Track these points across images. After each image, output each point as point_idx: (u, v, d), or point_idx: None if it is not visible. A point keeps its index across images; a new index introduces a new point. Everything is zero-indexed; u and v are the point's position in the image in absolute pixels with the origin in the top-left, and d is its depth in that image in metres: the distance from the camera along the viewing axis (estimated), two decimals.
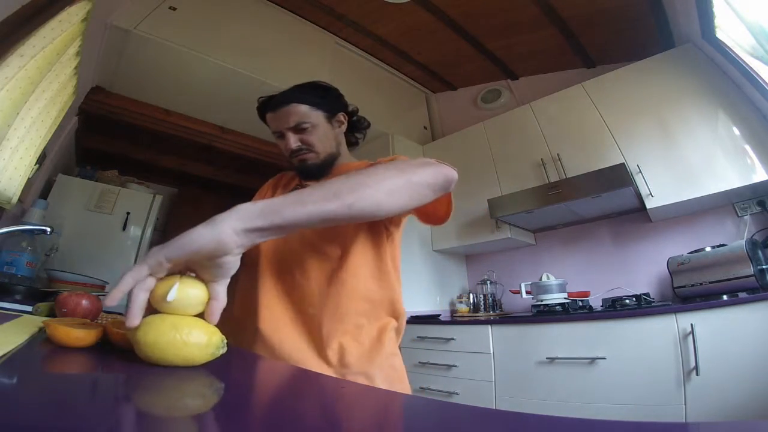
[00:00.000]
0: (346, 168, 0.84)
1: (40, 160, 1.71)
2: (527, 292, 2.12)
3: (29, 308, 0.79)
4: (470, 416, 0.28)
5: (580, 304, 1.89)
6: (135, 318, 0.36)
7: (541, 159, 2.23)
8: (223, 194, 3.70)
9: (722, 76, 1.78)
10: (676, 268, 1.73)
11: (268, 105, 0.82)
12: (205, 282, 0.42)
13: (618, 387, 1.48)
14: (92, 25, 1.49)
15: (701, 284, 1.59)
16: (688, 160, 1.77)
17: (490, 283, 2.52)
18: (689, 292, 1.64)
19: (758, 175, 1.60)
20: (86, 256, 2.17)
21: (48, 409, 0.23)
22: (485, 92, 2.91)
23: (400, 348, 0.78)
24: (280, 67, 2.23)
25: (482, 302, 2.48)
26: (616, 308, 1.71)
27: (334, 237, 0.73)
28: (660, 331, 1.45)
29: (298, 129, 0.79)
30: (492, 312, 2.41)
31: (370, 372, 0.68)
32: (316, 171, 0.83)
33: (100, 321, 0.59)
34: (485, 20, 2.32)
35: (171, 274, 0.40)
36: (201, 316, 0.41)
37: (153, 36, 1.90)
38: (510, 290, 2.41)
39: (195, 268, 0.41)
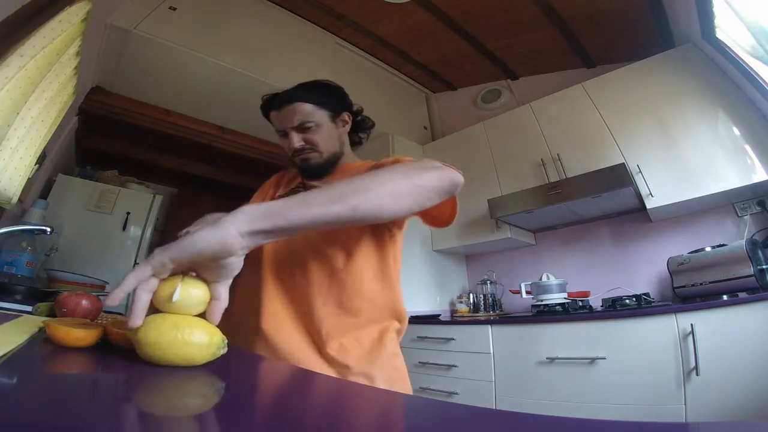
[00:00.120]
0: (349, 168, 0.84)
1: (40, 160, 1.71)
2: (527, 292, 2.12)
3: (29, 308, 0.79)
4: (470, 416, 0.28)
5: (580, 304, 1.89)
6: (138, 319, 0.36)
7: (541, 159, 2.23)
8: (223, 194, 3.70)
9: (722, 76, 1.78)
10: (676, 268, 1.73)
11: (272, 103, 0.82)
12: (207, 282, 0.42)
13: (618, 387, 1.48)
14: (92, 25, 1.49)
15: (701, 284, 1.59)
16: (688, 160, 1.77)
17: (490, 283, 2.52)
18: (689, 292, 1.64)
19: (758, 175, 1.60)
20: (86, 256, 2.17)
21: (48, 409, 0.23)
22: (485, 92, 2.91)
23: (400, 348, 0.78)
24: (280, 67, 2.23)
25: (482, 302, 2.48)
26: (616, 308, 1.71)
27: (338, 238, 0.72)
28: (660, 331, 1.45)
29: (302, 128, 0.79)
30: (492, 312, 2.41)
31: (371, 372, 0.68)
32: (319, 171, 0.82)
33: (100, 321, 0.59)
34: (485, 20, 2.32)
35: (173, 274, 0.40)
36: (202, 316, 0.41)
37: (153, 36, 1.90)
38: (510, 290, 2.41)
39: (197, 268, 0.41)
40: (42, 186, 2.10)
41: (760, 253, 1.54)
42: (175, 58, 2.04)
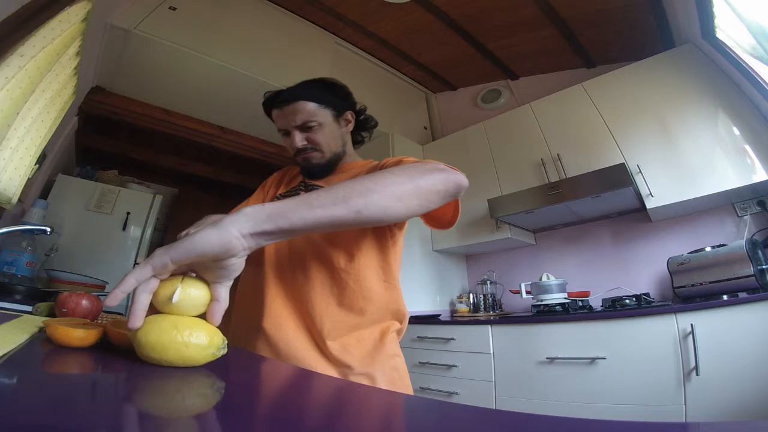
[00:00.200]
0: (351, 167, 0.83)
1: (40, 160, 1.71)
2: (527, 292, 2.12)
3: (29, 308, 0.79)
4: (470, 416, 0.28)
5: (580, 304, 1.89)
6: (138, 320, 0.36)
7: (541, 159, 2.23)
8: (223, 194, 3.70)
9: (722, 76, 1.78)
10: (676, 268, 1.73)
11: (274, 101, 0.80)
12: (208, 283, 0.42)
13: (618, 387, 1.48)
14: (92, 25, 1.49)
15: (701, 284, 1.59)
16: (688, 160, 1.77)
17: (490, 283, 2.52)
18: (689, 292, 1.64)
19: (758, 175, 1.60)
20: (86, 256, 2.17)
21: (48, 409, 0.23)
22: (485, 92, 2.91)
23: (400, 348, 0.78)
24: (280, 67, 2.23)
25: (482, 302, 2.48)
26: (616, 308, 1.71)
27: (339, 239, 0.72)
28: (660, 331, 1.45)
29: (305, 127, 0.78)
30: (492, 312, 2.41)
31: (372, 373, 0.68)
32: (321, 170, 0.82)
33: (100, 321, 0.59)
34: (485, 20, 2.32)
35: (173, 274, 0.40)
36: (202, 316, 0.41)
37: (153, 36, 1.90)
38: (510, 290, 2.41)
39: (198, 269, 0.41)
40: (42, 186, 2.10)
41: (760, 253, 1.54)
42: (175, 58, 2.04)
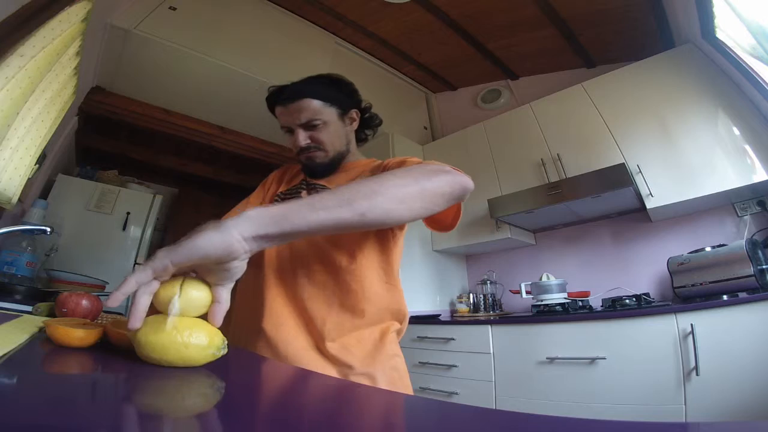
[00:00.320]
0: (354, 166, 0.83)
1: (40, 160, 1.71)
2: (527, 292, 2.12)
3: (29, 308, 0.79)
4: (470, 416, 0.28)
5: (580, 304, 1.89)
6: (137, 321, 0.36)
7: (541, 159, 2.23)
8: (223, 194, 3.70)
9: (722, 76, 1.78)
10: (676, 268, 1.73)
11: (279, 97, 0.78)
12: (209, 284, 0.42)
13: (618, 387, 1.48)
14: (92, 25, 1.49)
15: (701, 284, 1.59)
16: (688, 160, 1.77)
17: (490, 283, 2.52)
18: (689, 292, 1.64)
19: (758, 175, 1.60)
20: (86, 256, 2.17)
21: (48, 409, 0.23)
22: (485, 92, 2.91)
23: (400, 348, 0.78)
24: (280, 67, 2.23)
25: (482, 302, 2.48)
26: (616, 308, 1.71)
27: (342, 240, 0.72)
28: (660, 331, 1.45)
29: (309, 126, 0.76)
30: (492, 312, 2.41)
31: (373, 372, 0.68)
32: (323, 170, 0.80)
33: (100, 321, 0.59)
34: (485, 20, 2.32)
35: (174, 275, 0.40)
36: (203, 317, 0.41)
37: (153, 36, 1.90)
38: (510, 290, 2.41)
39: (200, 270, 0.41)
40: (42, 186, 2.10)
41: (760, 253, 1.54)
42: (175, 58, 2.04)
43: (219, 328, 0.40)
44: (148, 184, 3.07)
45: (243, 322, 0.74)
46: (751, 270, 1.46)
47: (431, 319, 2.17)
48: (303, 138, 0.76)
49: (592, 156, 2.03)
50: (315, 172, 0.81)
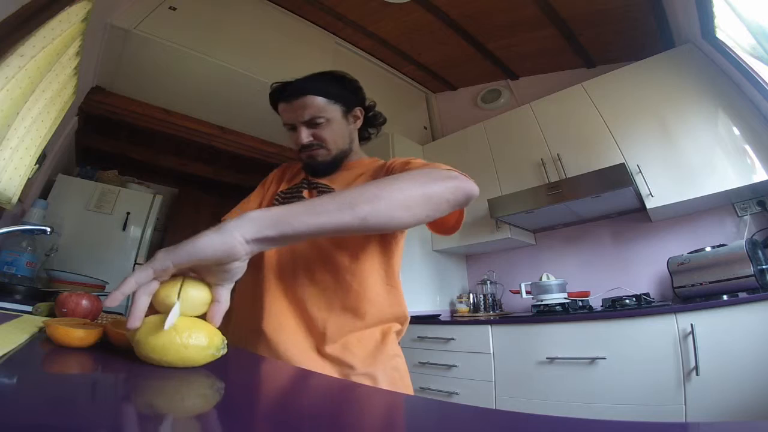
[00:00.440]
0: (357, 165, 0.82)
1: (40, 160, 1.71)
2: (527, 292, 2.12)
3: (29, 308, 0.79)
4: (470, 416, 0.28)
5: (580, 304, 1.89)
6: (137, 321, 0.36)
7: (541, 159, 2.23)
8: (223, 194, 3.70)
9: (722, 76, 1.78)
10: (676, 268, 1.73)
11: (282, 93, 0.76)
12: (209, 285, 0.42)
13: (618, 387, 1.48)
14: (92, 25, 1.49)
15: (701, 284, 1.59)
16: (688, 160, 1.77)
17: (490, 283, 2.52)
18: (689, 292, 1.64)
19: (758, 175, 1.60)
20: (86, 256, 2.17)
21: (48, 409, 0.23)
22: (485, 92, 2.91)
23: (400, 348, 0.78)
24: (280, 67, 2.22)
25: (482, 302, 2.48)
26: (616, 308, 1.71)
27: (344, 242, 0.71)
28: (660, 331, 1.45)
29: (312, 123, 0.75)
30: (492, 312, 2.41)
31: (374, 373, 0.68)
32: (325, 168, 0.79)
33: (100, 321, 0.59)
34: (485, 20, 2.32)
35: (174, 275, 0.40)
36: (203, 316, 0.41)
37: (153, 36, 1.90)
38: (510, 290, 2.41)
39: (200, 271, 0.41)
40: (42, 186, 2.10)
41: (760, 253, 1.54)
42: (175, 58, 2.04)
43: (218, 328, 0.40)
44: (148, 184, 3.07)
45: (242, 323, 0.74)
46: (751, 270, 1.46)
47: (431, 319, 2.17)
48: (306, 135, 0.75)
49: (592, 156, 2.03)
50: (317, 170, 0.80)
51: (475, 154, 2.54)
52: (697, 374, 1.33)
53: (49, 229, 1.19)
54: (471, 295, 2.56)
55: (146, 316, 0.37)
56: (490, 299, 2.46)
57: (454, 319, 2.20)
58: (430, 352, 2.04)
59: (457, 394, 1.88)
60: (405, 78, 3.01)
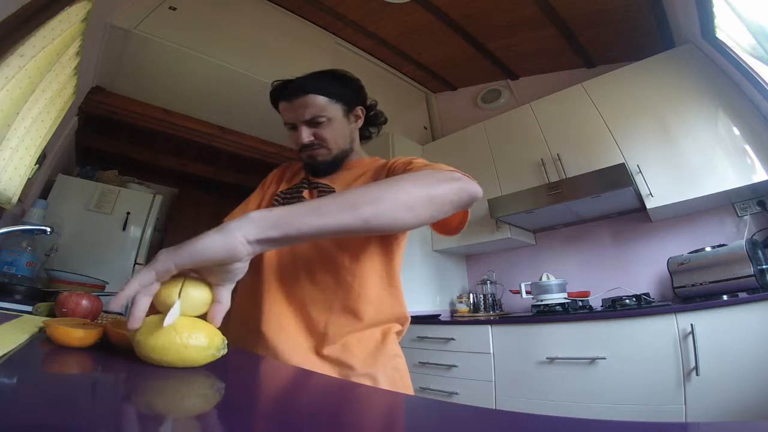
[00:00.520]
0: (357, 164, 0.82)
1: (40, 160, 1.71)
2: (527, 292, 2.12)
3: (29, 308, 0.79)
4: (470, 416, 0.28)
5: (580, 304, 1.89)
6: (137, 322, 0.36)
7: (541, 159, 2.23)
8: (223, 194, 3.70)
9: (722, 76, 1.78)
10: (676, 268, 1.73)
11: (283, 92, 0.76)
12: (210, 285, 0.42)
13: (618, 387, 1.48)
14: (92, 25, 1.49)
15: (701, 284, 1.59)
16: (688, 160, 1.77)
17: (490, 283, 2.52)
18: (689, 292, 1.64)
19: (758, 175, 1.60)
20: (86, 256, 2.17)
21: (48, 409, 0.23)
22: (485, 92, 2.91)
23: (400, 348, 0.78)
24: (280, 67, 2.20)
25: (482, 302, 2.48)
26: (616, 308, 1.71)
27: (345, 242, 0.71)
28: (660, 331, 1.45)
29: (313, 123, 0.74)
30: (492, 312, 2.41)
31: (375, 373, 0.68)
32: (325, 168, 0.79)
33: (100, 321, 0.59)
34: (485, 20, 2.32)
35: (175, 275, 0.40)
36: (203, 316, 0.41)
37: (153, 36, 1.90)
38: (510, 290, 2.41)
39: (201, 271, 0.41)
40: (42, 186, 2.10)
41: (760, 253, 1.54)
42: (175, 58, 2.04)
43: (218, 328, 0.40)
44: (148, 184, 3.07)
45: (242, 324, 0.74)
46: (751, 270, 1.46)
47: (431, 319, 2.17)
48: (306, 135, 0.75)
49: (592, 156, 2.03)
50: (317, 170, 0.80)
51: (475, 154, 2.54)
52: (697, 374, 1.33)
53: (49, 229, 1.18)
54: (471, 295, 2.56)
55: (147, 316, 0.37)
56: (490, 299, 2.46)
57: (454, 319, 2.20)
58: (430, 352, 2.04)
59: (457, 394, 1.88)
60: (405, 78, 3.01)
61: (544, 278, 2.07)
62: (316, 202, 0.46)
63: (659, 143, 1.86)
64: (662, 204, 1.81)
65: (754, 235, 1.73)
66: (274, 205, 0.73)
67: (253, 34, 2.25)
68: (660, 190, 1.81)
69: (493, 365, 1.82)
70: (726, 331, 1.33)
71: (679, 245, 1.90)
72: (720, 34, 1.70)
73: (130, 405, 0.29)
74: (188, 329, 0.37)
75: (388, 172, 0.72)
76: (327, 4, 2.33)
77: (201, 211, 3.52)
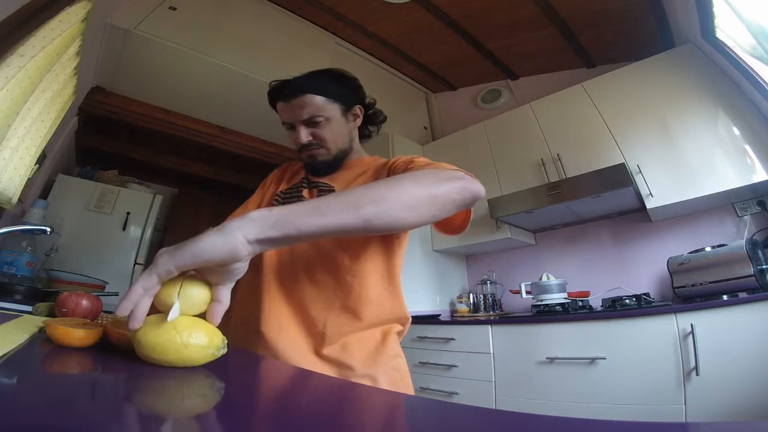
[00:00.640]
0: (358, 164, 0.82)
1: (40, 160, 1.71)
2: (527, 292, 2.12)
3: (29, 308, 0.79)
4: (470, 416, 0.28)
5: (580, 304, 1.89)
6: (138, 322, 0.36)
7: (541, 159, 2.23)
8: (223, 194, 3.70)
9: (722, 76, 1.78)
10: (676, 268, 1.73)
11: (280, 92, 0.76)
12: (210, 284, 0.42)
13: (618, 387, 1.48)
14: (92, 25, 1.49)
15: (701, 284, 1.59)
16: (688, 160, 1.77)
17: (490, 283, 2.52)
18: (689, 292, 1.64)
19: (758, 175, 1.60)
20: (86, 256, 2.17)
21: (48, 409, 0.23)
22: (485, 92, 2.91)
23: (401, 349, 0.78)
24: (280, 67, 2.20)
25: (482, 302, 2.48)
26: (616, 308, 1.71)
27: (346, 242, 0.71)
28: (660, 331, 1.45)
29: (311, 122, 0.74)
30: (492, 312, 2.41)
31: (375, 374, 0.67)
32: (325, 168, 0.79)
33: (100, 321, 0.59)
34: (485, 20, 2.32)
35: None
36: (203, 315, 0.41)
37: (153, 36, 1.90)
38: (510, 290, 2.41)
39: (201, 270, 0.41)
40: (42, 186, 2.10)
41: (760, 253, 1.54)
42: (175, 58, 2.04)
43: (218, 327, 0.40)
44: (148, 184, 3.07)
45: (242, 324, 0.74)
46: (751, 270, 1.46)
47: (431, 319, 2.17)
48: (305, 135, 0.75)
49: (592, 156, 2.03)
50: (317, 169, 0.80)
51: (475, 154, 2.54)
52: (697, 374, 1.33)
53: (49, 229, 1.18)
54: (471, 295, 2.56)
55: (147, 315, 0.37)
56: (490, 299, 2.46)
57: (454, 319, 2.20)
58: (430, 352, 2.04)
59: (457, 394, 1.88)
60: (405, 78, 3.01)
61: (544, 278, 2.07)
62: (317, 201, 0.46)
63: (659, 143, 1.86)
64: (662, 204, 1.81)
65: (754, 235, 1.73)
66: (273, 205, 0.73)
67: (253, 34, 2.25)
68: (660, 190, 1.81)
69: (493, 365, 1.82)
70: (726, 331, 1.33)
71: (679, 245, 1.90)
72: (720, 34, 1.70)
73: (131, 405, 0.29)
74: (188, 328, 0.37)
75: (389, 171, 0.72)
76: (327, 4, 2.32)
77: (201, 211, 3.52)
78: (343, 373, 0.67)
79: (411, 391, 0.74)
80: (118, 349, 0.42)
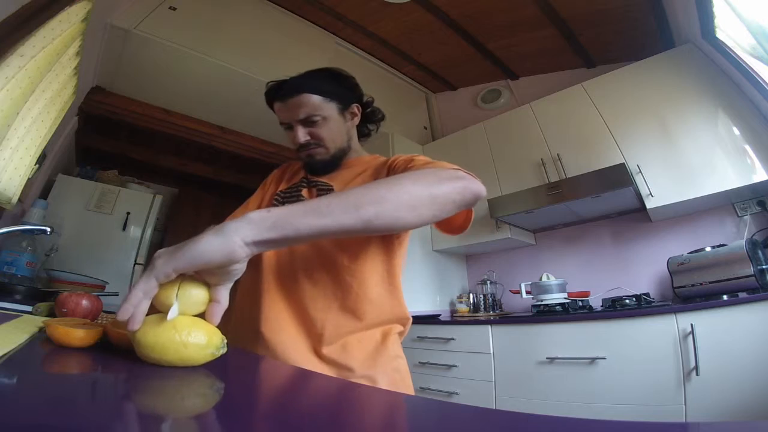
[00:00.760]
0: (357, 162, 0.81)
1: (40, 160, 1.71)
2: (527, 292, 2.12)
3: (29, 308, 0.79)
4: (470, 416, 0.28)
5: (580, 304, 1.89)
6: (137, 323, 0.36)
7: (541, 159, 2.23)
8: (223, 194, 3.70)
9: (722, 76, 1.78)
10: (676, 268, 1.73)
11: (277, 92, 0.76)
12: (208, 284, 0.42)
13: (618, 387, 1.48)
14: (92, 25, 1.49)
15: (701, 284, 1.59)
16: (688, 160, 1.77)
17: (490, 283, 2.52)
18: (689, 292, 1.64)
19: (758, 175, 1.60)
20: (86, 256, 2.17)
21: (48, 409, 0.23)
22: (485, 92, 2.91)
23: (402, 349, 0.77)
24: (280, 67, 2.20)
25: (482, 302, 2.48)
26: (616, 308, 1.71)
27: (345, 242, 0.71)
28: (660, 331, 1.45)
29: (308, 122, 0.74)
30: (492, 312, 2.41)
31: (374, 375, 0.67)
32: (324, 167, 0.79)
33: (100, 321, 0.59)
34: (485, 20, 2.32)
35: None
36: (202, 315, 0.41)
37: (153, 36, 1.90)
38: (510, 290, 2.41)
39: (199, 271, 0.41)
40: (42, 186, 2.10)
41: (760, 253, 1.54)
42: (175, 58, 2.04)
43: (218, 327, 0.40)
44: (148, 184, 3.07)
45: (241, 324, 0.73)
46: (751, 270, 1.46)
47: (431, 319, 2.17)
48: (302, 134, 0.75)
49: (592, 156, 2.03)
50: (316, 169, 0.80)
51: (475, 154, 2.54)
52: (697, 374, 1.33)
53: (49, 229, 1.18)
54: (471, 295, 2.56)
55: (146, 315, 0.37)
56: (490, 299, 2.46)
57: (454, 319, 2.20)
58: (430, 352, 2.04)
59: (457, 394, 1.88)
60: (405, 78, 3.01)
61: (544, 278, 2.07)
62: (316, 202, 0.45)
63: (659, 143, 1.86)
64: (662, 204, 1.81)
65: (754, 235, 1.73)
66: (273, 205, 0.73)
67: (253, 34, 2.25)
68: (660, 190, 1.81)
69: (493, 365, 1.82)
70: (726, 331, 1.33)
71: (679, 245, 1.90)
72: (720, 34, 1.70)
73: (130, 405, 0.29)
74: (188, 328, 0.37)
75: (388, 170, 0.72)
76: (327, 4, 2.32)
77: (201, 211, 3.52)
78: (342, 374, 0.66)
79: (411, 392, 0.74)
80: (118, 349, 0.42)
